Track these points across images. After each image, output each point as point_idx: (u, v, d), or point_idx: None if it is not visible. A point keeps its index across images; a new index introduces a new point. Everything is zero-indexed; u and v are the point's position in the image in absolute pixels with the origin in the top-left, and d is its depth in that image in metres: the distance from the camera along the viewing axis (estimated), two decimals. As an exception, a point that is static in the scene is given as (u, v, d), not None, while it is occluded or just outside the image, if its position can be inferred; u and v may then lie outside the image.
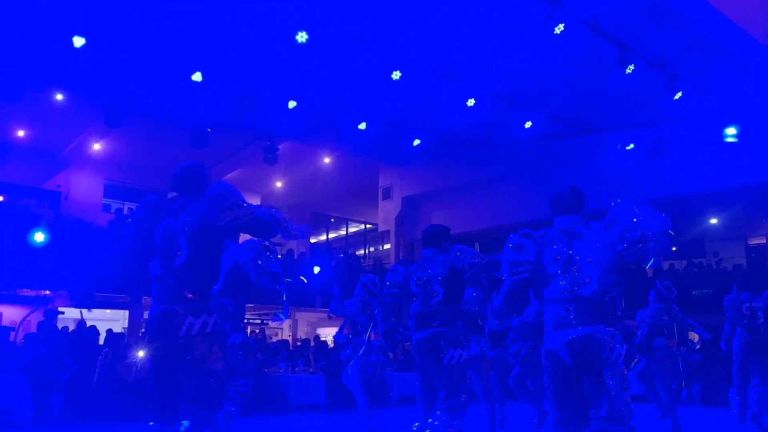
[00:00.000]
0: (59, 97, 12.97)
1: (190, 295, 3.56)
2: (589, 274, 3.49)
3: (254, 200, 20.20)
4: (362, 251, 21.97)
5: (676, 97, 11.34)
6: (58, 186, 16.42)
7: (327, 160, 17.60)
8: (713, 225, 18.91)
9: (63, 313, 11.13)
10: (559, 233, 3.72)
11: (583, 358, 3.48)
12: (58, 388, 8.48)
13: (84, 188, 16.60)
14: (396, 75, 10.88)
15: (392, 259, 15.76)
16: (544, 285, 3.63)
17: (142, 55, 10.82)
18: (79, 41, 9.81)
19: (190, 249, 3.60)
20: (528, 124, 12.84)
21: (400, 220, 18.25)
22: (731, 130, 12.40)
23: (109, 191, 17.38)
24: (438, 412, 4.54)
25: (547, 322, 3.64)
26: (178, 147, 15.13)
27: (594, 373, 3.46)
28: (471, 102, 11.90)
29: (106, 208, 17.04)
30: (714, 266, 18.79)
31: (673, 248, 21.22)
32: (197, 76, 11.14)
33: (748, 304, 7.54)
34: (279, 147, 15.00)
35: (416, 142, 14.39)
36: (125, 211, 15.89)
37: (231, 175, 18.28)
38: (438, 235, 4.86)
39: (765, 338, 7.45)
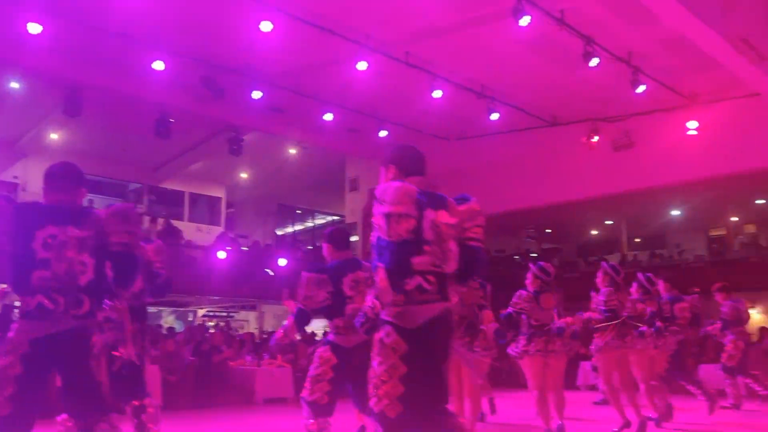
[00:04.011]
0: (15, 85, 12.61)
1: None
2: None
3: (220, 192, 19.97)
4: (329, 243, 21.84)
5: (639, 90, 11.46)
6: (15, 177, 15.98)
7: (293, 151, 17.43)
8: (675, 217, 19.25)
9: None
10: None
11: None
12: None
13: (42, 179, 16.16)
14: (362, 65, 10.78)
15: (360, 252, 15.69)
16: None
17: (102, 43, 10.54)
18: (35, 28, 9.50)
19: None
20: (495, 116, 12.85)
21: (368, 212, 18.18)
22: (693, 124, 12.59)
23: (69, 182, 16.94)
24: None
25: None
26: (140, 137, 14.85)
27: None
28: (438, 93, 11.86)
29: (65, 199, 16.61)
30: (676, 257, 19.15)
31: (636, 240, 21.58)
32: (159, 65, 10.88)
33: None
34: (244, 138, 14.80)
35: (383, 133, 14.31)
36: (85, 203, 15.52)
37: (195, 167, 18.02)
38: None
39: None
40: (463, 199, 3.31)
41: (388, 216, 2.88)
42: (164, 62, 10.90)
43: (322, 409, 4.40)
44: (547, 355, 5.99)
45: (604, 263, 6.74)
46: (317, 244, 21.04)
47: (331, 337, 4.56)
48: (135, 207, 3.51)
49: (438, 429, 2.91)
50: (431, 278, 2.94)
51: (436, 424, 2.91)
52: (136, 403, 4.61)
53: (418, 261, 2.92)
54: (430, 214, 2.98)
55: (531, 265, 6.29)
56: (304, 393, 4.44)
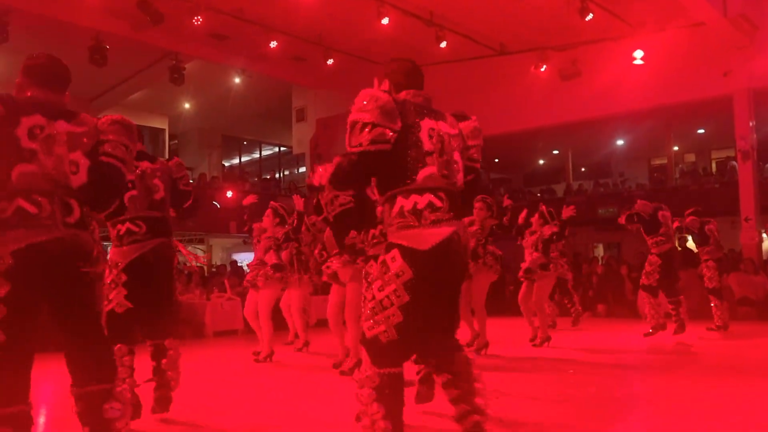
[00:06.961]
0: (-66, 8, 11.72)
1: None
2: None
3: (162, 123, 19.35)
4: (277, 175, 21.59)
5: (587, 18, 11.39)
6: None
7: (237, 80, 16.91)
8: (619, 146, 19.60)
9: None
10: None
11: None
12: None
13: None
14: (308, -10, 10.38)
15: (308, 183, 15.55)
16: None
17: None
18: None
19: None
20: (443, 44, 12.64)
21: (315, 143, 17.94)
22: (638, 53, 12.63)
23: (-1, 113, 16.14)
24: None
25: None
26: (73, 65, 14.07)
27: None
28: (386, 20, 11.57)
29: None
30: (619, 186, 19.61)
31: (582, 169, 21.96)
32: (91, -12, 10.28)
33: None
34: (186, 66, 14.25)
35: (330, 61, 13.97)
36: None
37: (135, 96, 17.34)
38: None
39: None
40: (462, 116, 3.10)
41: (352, 124, 2.73)
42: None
43: None
44: None
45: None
46: (264, 176, 20.78)
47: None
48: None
49: (439, 360, 2.79)
50: (442, 195, 2.72)
51: (435, 354, 2.79)
52: (154, 342, 3.99)
53: (421, 176, 2.70)
54: (429, 123, 2.80)
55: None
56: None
